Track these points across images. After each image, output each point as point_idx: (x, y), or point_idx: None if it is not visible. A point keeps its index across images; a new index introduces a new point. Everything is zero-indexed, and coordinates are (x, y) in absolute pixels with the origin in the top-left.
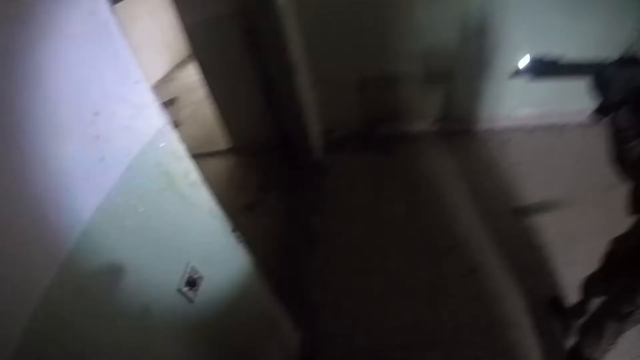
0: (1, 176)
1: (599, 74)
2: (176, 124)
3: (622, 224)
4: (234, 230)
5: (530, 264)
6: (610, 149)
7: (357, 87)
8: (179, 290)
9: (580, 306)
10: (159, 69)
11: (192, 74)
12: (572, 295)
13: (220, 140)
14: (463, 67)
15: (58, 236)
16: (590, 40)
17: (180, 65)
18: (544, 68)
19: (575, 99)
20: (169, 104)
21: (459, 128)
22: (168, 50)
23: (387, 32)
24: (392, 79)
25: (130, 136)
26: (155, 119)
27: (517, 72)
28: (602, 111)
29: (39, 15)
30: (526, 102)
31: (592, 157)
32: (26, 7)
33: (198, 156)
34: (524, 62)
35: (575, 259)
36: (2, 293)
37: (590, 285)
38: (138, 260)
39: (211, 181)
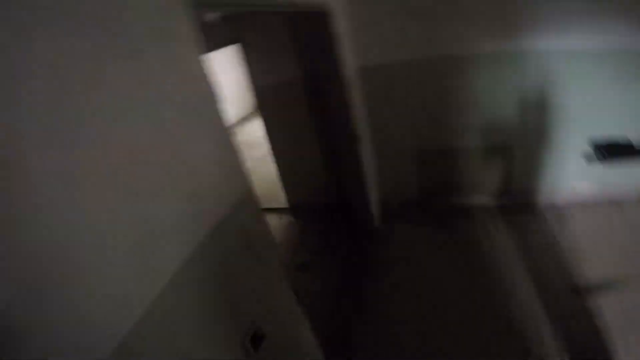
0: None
1: None
2: None
3: None
4: (294, 291)
5: (589, 346)
6: None
7: (415, 159)
8: (243, 346)
9: None
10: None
11: (254, 130)
12: None
13: (278, 198)
14: (522, 142)
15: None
16: None
17: (244, 120)
18: (616, 152)
19: (635, 173)
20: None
21: (518, 202)
22: (233, 105)
23: (447, 106)
24: (451, 152)
25: (220, 196)
26: (242, 182)
27: (589, 158)
28: None
29: (149, 79)
30: (586, 177)
31: None
32: (144, 71)
33: None
34: (593, 146)
35: (636, 342)
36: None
37: None
38: (208, 317)
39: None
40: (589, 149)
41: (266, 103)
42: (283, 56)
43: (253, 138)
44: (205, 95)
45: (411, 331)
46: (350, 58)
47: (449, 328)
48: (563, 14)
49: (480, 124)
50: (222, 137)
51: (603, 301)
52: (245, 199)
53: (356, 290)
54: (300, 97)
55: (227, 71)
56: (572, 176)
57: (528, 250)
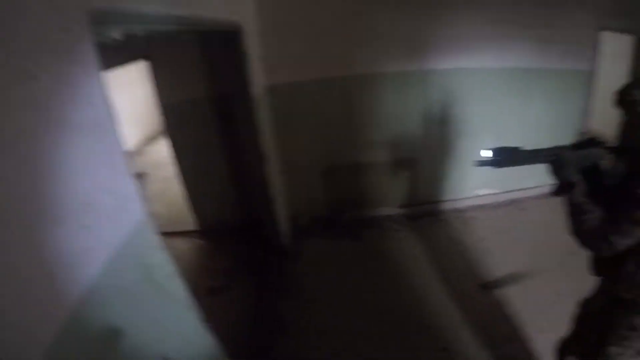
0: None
1: (555, 159)
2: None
3: (587, 287)
4: (204, 320)
5: (503, 335)
6: (568, 222)
7: (324, 175)
8: None
9: None
10: (130, 141)
11: (162, 150)
12: None
13: (187, 220)
14: (427, 154)
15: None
16: (542, 123)
17: (151, 139)
18: (505, 158)
19: (533, 176)
20: (137, 178)
21: (425, 211)
22: (140, 123)
23: (354, 123)
24: (358, 166)
25: (115, 228)
26: (139, 211)
27: (481, 163)
28: (559, 190)
29: (44, 104)
30: (487, 182)
31: (553, 228)
32: (38, 95)
33: (164, 235)
34: (486, 153)
35: (546, 326)
36: None
37: (563, 348)
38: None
39: (176, 263)
40: (480, 155)
41: (174, 122)
42: (192, 74)
43: (160, 158)
44: (102, 120)
45: (332, 343)
46: (259, 77)
47: (368, 334)
48: (463, 36)
49: (387, 139)
50: (119, 162)
51: (512, 293)
52: (143, 228)
53: (273, 309)
54: (209, 116)
55: (133, 88)
56: (474, 183)
57: (437, 254)
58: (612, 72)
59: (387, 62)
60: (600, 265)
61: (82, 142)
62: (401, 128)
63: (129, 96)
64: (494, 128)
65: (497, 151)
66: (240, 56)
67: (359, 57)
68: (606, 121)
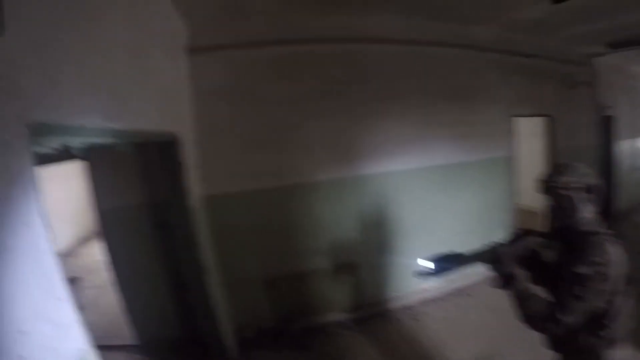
0: None
1: (493, 257)
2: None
3: None
4: None
5: None
6: (516, 310)
7: (266, 285)
8: None
9: None
10: (63, 241)
11: (97, 253)
12: None
13: (125, 332)
14: (366, 256)
15: None
16: (472, 212)
17: (86, 240)
18: (445, 266)
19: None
20: (70, 283)
21: (372, 312)
22: (74, 222)
23: (292, 231)
24: (300, 275)
25: (54, 357)
26: (79, 338)
27: (422, 274)
28: (502, 283)
29: None
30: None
31: (501, 310)
32: None
33: (99, 348)
34: (425, 263)
35: None
36: None
37: None
38: None
39: None
40: (421, 267)
41: (109, 226)
42: (130, 179)
43: (94, 262)
44: (38, 242)
45: None
46: (196, 187)
47: None
48: (389, 141)
49: (326, 245)
50: (57, 287)
51: None
52: (85, 357)
53: None
54: (146, 224)
55: (68, 184)
56: (418, 279)
57: (391, 355)
58: (530, 151)
59: (320, 170)
60: (555, 342)
61: (16, 266)
62: (338, 233)
63: (63, 192)
64: (428, 223)
65: (437, 260)
66: (176, 165)
67: (292, 167)
68: (534, 196)
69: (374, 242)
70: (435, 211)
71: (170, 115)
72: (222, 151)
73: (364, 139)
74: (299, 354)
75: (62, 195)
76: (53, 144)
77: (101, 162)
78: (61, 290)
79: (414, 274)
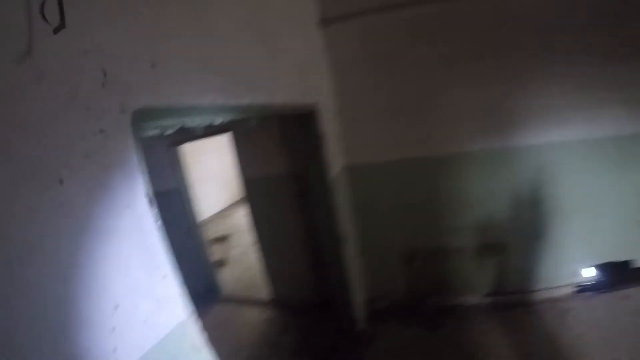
0: None
1: None
2: (222, 263)
3: None
4: None
5: None
6: None
7: (404, 258)
8: None
9: None
10: (217, 203)
11: (244, 216)
12: None
13: (262, 289)
14: (516, 238)
15: None
16: None
17: (238, 203)
18: (612, 278)
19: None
20: (220, 240)
21: (514, 300)
22: (228, 187)
23: (435, 206)
24: (441, 251)
25: (148, 330)
26: (179, 312)
27: (582, 288)
28: None
29: (71, 209)
30: (585, 268)
31: None
32: (65, 200)
33: (237, 301)
34: (588, 272)
35: None
36: None
37: None
38: None
39: (246, 334)
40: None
41: (253, 194)
42: (272, 150)
43: (244, 222)
44: (141, 222)
45: None
46: (336, 157)
47: None
48: (549, 107)
49: (472, 222)
50: (159, 264)
51: None
52: (183, 330)
53: None
54: (287, 193)
55: (222, 154)
56: (570, 269)
57: (527, 351)
58: None
59: (468, 140)
60: None
61: (117, 246)
62: (487, 210)
63: (218, 161)
64: (593, 207)
65: (603, 268)
66: (316, 137)
67: (438, 137)
68: None
69: (526, 224)
70: (602, 192)
71: (307, 88)
72: (363, 121)
73: (519, 105)
74: (429, 334)
75: (218, 162)
76: (166, 124)
77: (244, 135)
78: (166, 267)
79: (572, 287)
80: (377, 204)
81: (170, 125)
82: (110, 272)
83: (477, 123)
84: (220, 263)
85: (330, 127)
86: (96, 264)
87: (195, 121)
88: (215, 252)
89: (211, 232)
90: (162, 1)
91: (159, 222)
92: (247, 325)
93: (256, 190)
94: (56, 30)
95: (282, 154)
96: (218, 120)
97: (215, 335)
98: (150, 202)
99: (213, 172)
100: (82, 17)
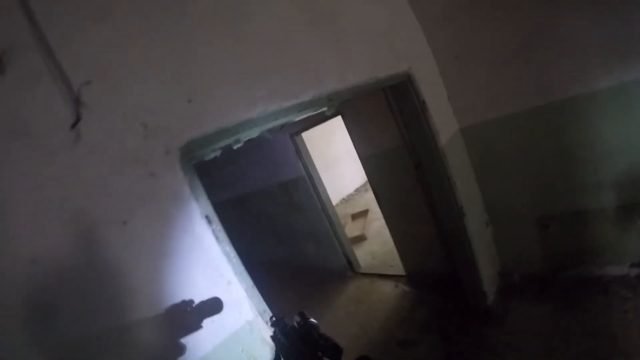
0: None
1: None
2: (361, 238)
3: None
4: None
5: None
6: None
7: (537, 226)
8: None
9: None
10: (357, 178)
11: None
12: None
13: (397, 264)
14: None
15: None
16: None
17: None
18: None
19: None
20: (359, 216)
21: None
22: (355, 172)
23: (568, 160)
24: (578, 215)
25: (216, 328)
26: (247, 312)
27: None
28: None
29: (139, 241)
30: None
31: None
32: (133, 235)
33: (373, 276)
34: None
35: None
36: None
37: None
38: None
39: (378, 309)
40: None
41: (371, 171)
42: (383, 125)
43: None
44: (200, 241)
45: None
46: (446, 123)
47: None
48: None
49: (612, 178)
50: (222, 273)
51: None
52: (248, 328)
53: None
54: (402, 166)
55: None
56: None
57: None
58: None
59: (596, 75)
60: None
61: (180, 264)
62: (630, 162)
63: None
64: None
65: None
66: (416, 104)
67: (562, 77)
68: None
69: None
70: None
71: (394, 55)
72: (469, 76)
73: None
74: (566, 311)
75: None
76: (222, 144)
77: (354, 113)
78: (230, 275)
79: None
80: (500, 166)
81: (228, 143)
82: (177, 286)
83: (604, 52)
84: (359, 239)
85: (432, 91)
86: (165, 280)
87: (253, 133)
88: (354, 229)
89: (350, 209)
90: (191, 33)
91: (222, 235)
92: (380, 300)
93: (373, 167)
94: (73, 126)
95: (390, 128)
96: (281, 122)
97: (351, 309)
98: (209, 221)
99: (347, 150)
100: (115, 82)
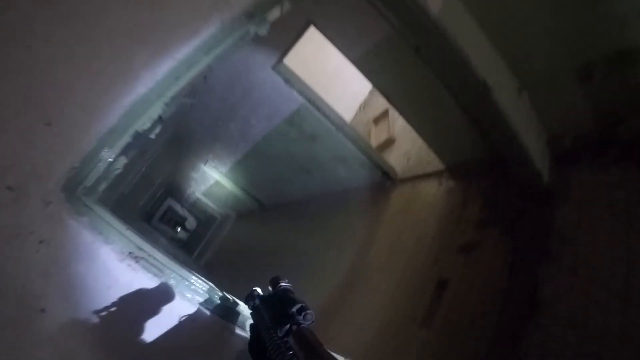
0: None
1: None
2: (390, 141)
3: None
4: None
5: None
6: None
7: (577, 78)
8: None
9: None
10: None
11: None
12: None
13: (434, 159)
14: None
15: None
16: None
17: None
18: None
19: None
20: (382, 117)
21: None
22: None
23: None
24: (628, 53)
25: None
26: None
27: None
28: None
29: None
30: None
31: None
32: None
33: (412, 179)
34: None
35: None
36: None
37: None
38: None
39: (427, 213)
40: None
41: (372, 73)
42: (363, 17)
43: None
44: None
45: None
46: None
47: None
48: None
49: None
50: None
51: None
52: None
53: (527, 276)
54: (403, 55)
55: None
56: None
57: None
58: None
59: None
60: None
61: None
62: None
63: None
64: None
65: None
66: None
67: None
68: None
69: None
70: None
71: None
72: None
73: None
74: (638, 170)
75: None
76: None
77: (324, 21)
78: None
79: None
80: (518, 16)
81: (136, 137)
82: None
83: None
84: (388, 143)
85: None
86: None
87: (155, 110)
88: (380, 133)
89: (370, 113)
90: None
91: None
92: (428, 204)
93: (370, 68)
94: None
95: (372, 16)
96: (192, 75)
97: (400, 221)
98: (137, 257)
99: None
100: None
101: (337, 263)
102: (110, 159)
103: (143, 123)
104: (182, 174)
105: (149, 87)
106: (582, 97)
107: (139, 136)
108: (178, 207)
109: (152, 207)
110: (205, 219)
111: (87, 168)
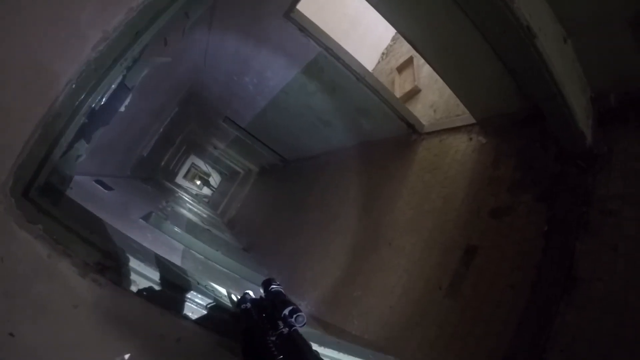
0: None
1: None
2: (415, 91)
3: None
4: None
5: None
6: None
7: (630, 27)
8: None
9: None
10: (386, 32)
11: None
12: None
13: (463, 111)
14: None
15: None
16: None
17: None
18: None
19: None
20: (406, 65)
21: None
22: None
23: None
24: None
25: None
26: None
27: None
28: None
29: None
30: None
31: None
32: None
33: (439, 133)
34: None
35: None
36: None
37: None
38: None
39: (457, 171)
40: None
41: (395, 16)
42: None
43: None
44: None
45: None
46: None
47: None
48: None
49: None
50: None
51: None
52: None
53: (563, 250)
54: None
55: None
56: None
57: None
58: None
59: None
60: None
61: None
62: None
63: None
64: None
65: None
66: None
67: None
68: None
69: None
70: None
71: None
72: None
73: None
74: None
75: None
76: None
77: None
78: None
79: None
80: None
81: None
82: None
83: None
84: (412, 92)
85: None
86: None
87: (116, 75)
88: (404, 83)
89: (394, 62)
90: None
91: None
92: (457, 161)
93: (391, 9)
94: None
95: None
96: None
97: (427, 178)
98: (103, 268)
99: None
100: None
101: (360, 219)
102: (63, 148)
103: (98, 96)
104: (202, 131)
105: (99, 51)
106: (633, 50)
107: (98, 113)
108: (201, 164)
109: (174, 166)
110: (229, 174)
111: (35, 163)
